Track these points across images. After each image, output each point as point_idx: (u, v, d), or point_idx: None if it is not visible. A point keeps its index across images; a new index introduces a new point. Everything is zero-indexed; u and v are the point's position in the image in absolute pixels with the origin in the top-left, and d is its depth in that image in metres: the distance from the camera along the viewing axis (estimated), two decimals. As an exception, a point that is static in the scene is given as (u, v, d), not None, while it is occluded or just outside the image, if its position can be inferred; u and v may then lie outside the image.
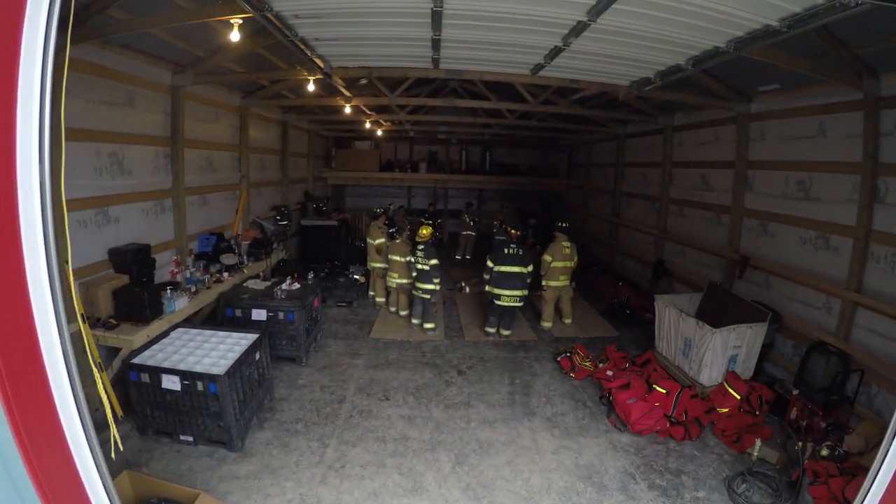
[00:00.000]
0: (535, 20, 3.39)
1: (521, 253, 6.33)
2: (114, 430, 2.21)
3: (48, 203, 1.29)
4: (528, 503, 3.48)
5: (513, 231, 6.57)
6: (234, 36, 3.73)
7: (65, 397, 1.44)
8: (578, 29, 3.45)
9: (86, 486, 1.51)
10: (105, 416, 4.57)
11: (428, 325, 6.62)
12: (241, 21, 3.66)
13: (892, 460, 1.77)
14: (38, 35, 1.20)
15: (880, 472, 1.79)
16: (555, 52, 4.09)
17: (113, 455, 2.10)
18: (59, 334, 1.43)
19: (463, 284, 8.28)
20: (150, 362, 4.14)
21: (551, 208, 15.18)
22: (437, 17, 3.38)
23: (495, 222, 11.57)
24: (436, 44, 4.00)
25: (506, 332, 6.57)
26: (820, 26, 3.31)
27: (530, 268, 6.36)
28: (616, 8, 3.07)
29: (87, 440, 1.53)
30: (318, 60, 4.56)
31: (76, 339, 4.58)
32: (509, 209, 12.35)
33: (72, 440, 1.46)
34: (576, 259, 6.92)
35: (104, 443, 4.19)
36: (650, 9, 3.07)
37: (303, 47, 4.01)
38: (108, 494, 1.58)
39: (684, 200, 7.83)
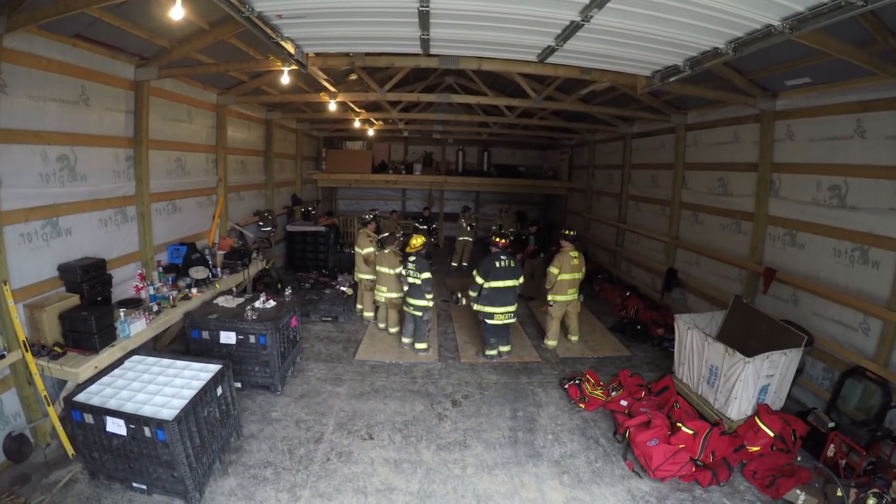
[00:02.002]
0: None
1: (512, 265, 5.74)
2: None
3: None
4: (535, 578, 2.90)
5: (500, 240, 5.90)
6: (177, 13, 3.12)
7: None
8: None
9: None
10: (56, 452, 4.05)
11: (420, 346, 6.01)
12: (181, -7, 3.05)
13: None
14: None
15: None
16: (570, 31, 3.42)
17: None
18: None
19: (459, 296, 7.66)
20: (96, 400, 3.58)
21: (552, 212, 14.65)
22: None
23: (494, 227, 11.03)
24: (423, 18, 3.35)
25: (506, 349, 6.02)
26: (868, 11, 2.75)
27: (521, 279, 5.86)
28: None
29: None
30: (286, 45, 3.92)
31: (19, 368, 3.96)
32: (508, 213, 11.75)
33: None
34: (583, 270, 6.33)
35: (55, 484, 3.59)
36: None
37: (264, 27, 3.38)
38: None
39: (699, 205, 7.24)
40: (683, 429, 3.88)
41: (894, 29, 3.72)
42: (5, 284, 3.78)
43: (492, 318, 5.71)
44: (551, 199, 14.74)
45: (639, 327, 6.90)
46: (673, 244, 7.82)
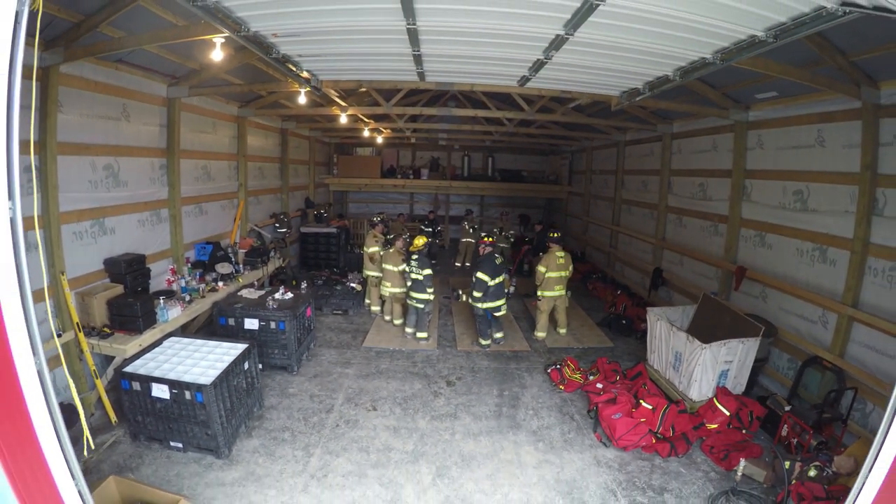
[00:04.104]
0: (513, 35, 3.38)
1: (502, 261, 6.46)
2: (86, 432, 2.24)
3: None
4: (507, 519, 3.47)
5: (488, 237, 6.61)
6: (217, 55, 3.79)
7: (39, 407, 1.57)
8: (558, 42, 3.44)
9: (60, 490, 1.60)
10: (101, 420, 4.70)
11: (421, 335, 6.63)
12: (223, 39, 3.72)
13: (875, 481, 1.73)
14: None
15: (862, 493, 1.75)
16: (538, 66, 4.08)
17: (85, 453, 2.13)
18: (33, 347, 1.52)
19: (460, 293, 8.26)
20: (142, 371, 4.22)
21: (554, 215, 15.12)
22: (413, 35, 3.40)
23: (495, 230, 11.61)
24: (417, 59, 4.03)
25: (500, 335, 6.66)
26: (814, 34, 3.23)
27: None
28: (593, 21, 3.04)
29: (62, 449, 1.68)
30: (304, 74, 4.62)
31: (71, 347, 4.67)
32: (509, 216, 12.30)
33: (46, 448, 1.62)
34: (570, 268, 6.88)
35: (101, 445, 4.23)
36: (629, 21, 3.04)
37: (288, 64, 4.06)
38: (82, 499, 1.66)
39: (683, 209, 7.74)
40: (643, 404, 4.41)
41: (843, 48, 4.15)
42: (62, 275, 4.48)
43: (498, 311, 6.38)
44: (552, 202, 15.23)
45: (624, 322, 7.40)
46: (659, 245, 8.30)
